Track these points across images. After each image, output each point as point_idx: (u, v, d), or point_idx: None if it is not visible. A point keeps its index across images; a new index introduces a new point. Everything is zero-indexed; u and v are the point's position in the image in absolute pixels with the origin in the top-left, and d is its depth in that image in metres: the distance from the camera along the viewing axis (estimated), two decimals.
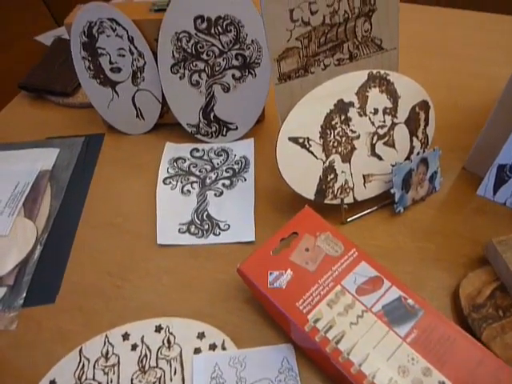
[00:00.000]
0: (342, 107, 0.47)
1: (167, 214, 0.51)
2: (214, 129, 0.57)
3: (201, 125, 0.57)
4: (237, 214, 0.51)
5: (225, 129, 0.58)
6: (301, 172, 0.46)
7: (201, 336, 0.42)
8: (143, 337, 0.42)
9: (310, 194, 0.47)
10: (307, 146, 0.46)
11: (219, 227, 0.50)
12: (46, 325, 0.44)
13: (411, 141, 0.50)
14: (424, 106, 0.50)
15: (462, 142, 0.57)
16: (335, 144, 0.47)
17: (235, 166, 0.56)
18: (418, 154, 0.50)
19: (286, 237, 0.43)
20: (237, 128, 0.58)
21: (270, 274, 0.41)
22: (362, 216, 0.51)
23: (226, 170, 0.55)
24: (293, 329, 0.39)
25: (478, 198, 0.52)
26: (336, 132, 0.47)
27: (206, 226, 0.50)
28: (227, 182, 0.54)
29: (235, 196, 0.53)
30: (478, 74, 0.68)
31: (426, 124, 0.51)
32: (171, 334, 0.42)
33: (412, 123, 0.50)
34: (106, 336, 0.42)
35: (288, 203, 0.52)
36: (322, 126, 0.46)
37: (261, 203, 0.53)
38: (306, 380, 0.39)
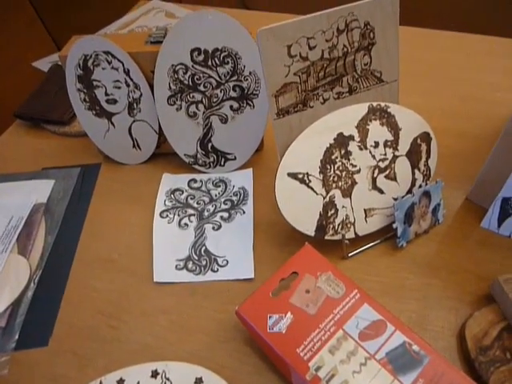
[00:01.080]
0: (342, 141, 0.46)
1: (164, 249, 0.50)
2: (211, 159, 0.56)
3: (198, 155, 0.56)
4: (235, 249, 0.50)
5: (223, 159, 0.57)
6: (300, 208, 0.45)
7: (199, 381, 0.40)
8: (139, 383, 0.40)
9: (311, 231, 0.46)
10: (307, 181, 0.45)
11: (217, 263, 0.49)
12: (38, 370, 0.42)
13: (413, 173, 0.49)
14: (426, 137, 0.49)
15: (465, 171, 0.55)
16: (335, 179, 0.46)
17: (234, 198, 0.54)
18: (420, 186, 0.49)
19: (285, 277, 0.42)
20: (235, 158, 0.57)
21: (270, 317, 0.40)
22: (363, 250, 0.49)
23: (224, 202, 0.54)
24: (293, 375, 0.38)
25: (482, 230, 0.51)
26: (336, 166, 0.46)
27: (204, 262, 0.49)
28: (225, 214, 0.53)
29: (234, 230, 0.51)
30: (482, 100, 0.68)
31: (428, 156, 0.50)
32: (168, 379, 0.41)
33: (414, 155, 0.49)
34: (101, 382, 0.40)
35: (288, 237, 0.51)
36: (321, 161, 0.45)
37: (260, 237, 0.51)
38: None
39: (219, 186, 0.56)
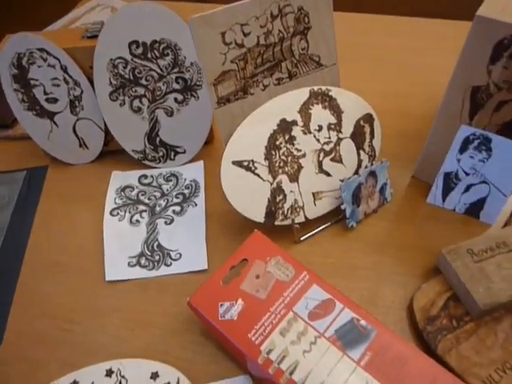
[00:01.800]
0: (285, 126, 0.46)
1: (115, 247, 0.49)
2: (161, 154, 0.56)
3: (147, 150, 0.55)
4: (188, 241, 0.49)
5: (172, 153, 0.56)
6: (248, 195, 0.45)
7: (154, 376, 0.40)
8: (93, 383, 0.40)
9: (260, 217, 0.46)
10: (252, 168, 0.45)
11: (170, 257, 0.48)
12: None
13: (358, 154, 0.50)
14: (368, 118, 0.50)
15: (410, 150, 0.57)
16: (281, 164, 0.46)
17: (185, 191, 0.54)
18: (366, 167, 0.50)
19: (236, 264, 0.42)
20: (185, 151, 0.56)
21: (221, 305, 0.40)
22: (315, 234, 0.50)
23: (176, 196, 0.54)
24: (248, 360, 0.38)
25: (429, 206, 0.53)
26: (281, 152, 0.46)
27: (157, 257, 0.48)
28: (177, 208, 0.53)
29: (186, 223, 0.51)
30: (426, 82, 0.69)
31: (372, 137, 0.51)
32: (123, 377, 0.40)
33: (358, 137, 0.50)
34: None
35: (241, 226, 0.51)
36: (266, 147, 0.45)
37: (213, 228, 0.51)
38: None
39: (170, 180, 0.55)
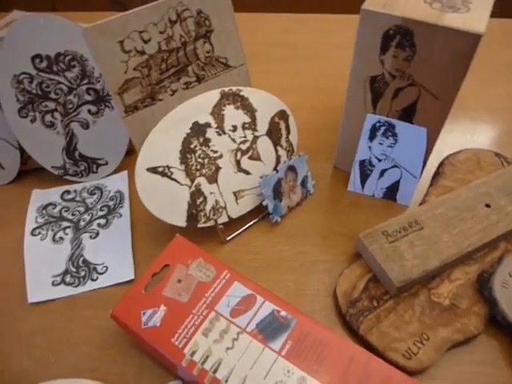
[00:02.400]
0: (198, 129, 0.46)
1: (38, 267, 0.48)
2: (82, 167, 0.55)
3: (67, 165, 0.54)
4: (114, 253, 0.49)
5: (94, 166, 0.55)
6: (167, 201, 0.45)
7: None
8: None
9: (181, 222, 0.46)
10: (168, 173, 0.45)
11: (97, 271, 0.47)
12: None
13: (276, 151, 0.51)
14: (283, 115, 0.52)
15: (330, 142, 0.59)
16: (198, 167, 0.47)
17: (110, 203, 0.53)
18: (285, 162, 0.51)
19: (157, 271, 0.42)
20: (107, 163, 0.55)
21: (144, 313, 0.39)
22: (241, 232, 0.51)
23: (100, 209, 0.53)
24: (178, 366, 0.38)
25: (350, 194, 0.55)
26: (197, 155, 0.46)
27: (83, 273, 0.47)
28: (103, 221, 0.52)
29: (112, 235, 0.50)
30: (331, 74, 0.72)
31: (288, 132, 0.52)
32: None
33: (274, 134, 0.51)
34: None
35: (168, 232, 0.50)
36: (180, 152, 0.46)
37: (140, 237, 0.51)
38: None
39: (95, 194, 0.55)
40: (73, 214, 0.52)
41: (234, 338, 0.37)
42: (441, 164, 0.56)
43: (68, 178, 0.55)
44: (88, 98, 0.50)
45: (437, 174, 0.55)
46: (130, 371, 0.41)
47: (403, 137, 0.48)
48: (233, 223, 0.50)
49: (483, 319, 0.42)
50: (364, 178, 0.53)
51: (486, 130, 0.63)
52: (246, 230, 0.51)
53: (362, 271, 0.46)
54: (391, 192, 0.53)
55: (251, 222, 0.51)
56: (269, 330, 0.38)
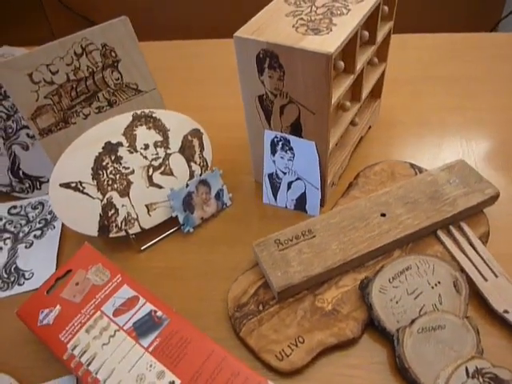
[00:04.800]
0: (110, 148, 0.52)
1: None
2: (27, 185, 0.61)
3: (13, 183, 0.61)
4: (41, 261, 0.54)
5: (37, 183, 0.61)
6: (79, 213, 0.51)
7: None
8: None
9: (94, 232, 0.51)
10: (80, 188, 0.50)
11: (24, 277, 0.53)
12: None
13: (189, 166, 0.56)
14: (196, 133, 0.56)
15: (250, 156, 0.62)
16: (110, 182, 0.52)
17: (48, 216, 0.59)
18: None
19: (61, 275, 0.47)
20: (48, 180, 0.61)
21: (41, 312, 0.44)
22: (157, 242, 0.55)
23: (39, 222, 0.59)
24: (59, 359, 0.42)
25: (267, 207, 0.58)
26: (109, 171, 0.52)
27: (12, 278, 0.53)
28: (38, 232, 0.58)
29: (43, 245, 0.56)
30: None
31: (202, 149, 0.57)
32: None
33: (187, 150, 0.55)
34: None
35: (94, 241, 0.55)
36: (92, 168, 0.51)
37: (69, 245, 0.56)
38: None
39: (37, 208, 0.61)
40: (15, 227, 0.59)
41: (111, 335, 0.41)
42: (357, 176, 0.58)
43: (15, 194, 0.62)
44: (25, 123, 0.57)
45: (350, 186, 0.57)
46: (35, 365, 0.45)
47: (298, 150, 0.51)
48: (151, 233, 0.54)
49: (361, 324, 0.44)
50: (275, 190, 0.56)
51: (412, 142, 0.64)
52: (161, 239, 0.55)
53: (254, 278, 0.49)
54: (301, 203, 0.55)
55: (166, 233, 0.55)
56: (143, 328, 0.41)
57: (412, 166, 0.58)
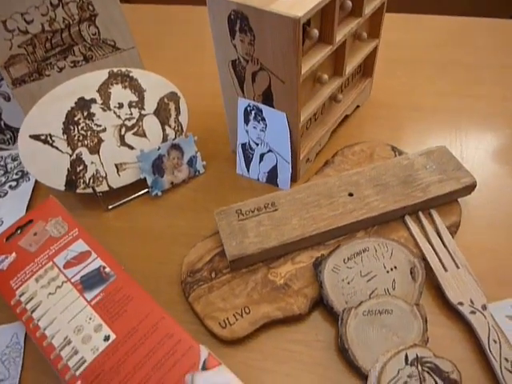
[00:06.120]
0: (83, 104, 0.51)
1: None
2: (8, 136, 0.62)
3: None
4: (12, 210, 0.55)
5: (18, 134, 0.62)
6: (47, 166, 0.51)
7: None
8: None
9: (61, 186, 0.51)
10: (50, 141, 0.51)
11: None
12: None
13: (164, 130, 0.55)
14: (173, 96, 0.55)
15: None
16: (80, 138, 0.52)
17: (25, 168, 0.60)
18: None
19: (22, 225, 0.48)
20: None
21: None
22: (125, 202, 0.55)
23: (16, 173, 0.60)
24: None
25: (240, 178, 0.57)
26: (80, 127, 0.51)
27: None
28: (14, 183, 0.58)
29: (17, 195, 0.57)
30: None
31: (178, 113, 0.56)
32: None
33: (162, 113, 0.55)
34: None
35: (61, 195, 0.56)
36: (64, 123, 0.51)
37: (42, 198, 0.57)
38: (31, 350, 0.43)
39: (16, 160, 0.61)
40: None
41: (58, 285, 0.42)
42: (334, 154, 0.57)
43: None
44: None
45: (326, 164, 0.56)
46: None
47: (270, 121, 0.49)
48: (120, 194, 0.54)
49: (310, 301, 0.43)
50: (248, 161, 0.55)
51: (400, 126, 0.62)
52: (129, 200, 0.55)
53: (213, 245, 0.48)
54: (272, 176, 0.54)
55: (135, 195, 0.55)
56: (90, 282, 0.42)
57: (393, 148, 0.56)
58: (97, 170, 0.52)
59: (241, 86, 0.49)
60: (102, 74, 0.52)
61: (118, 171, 0.53)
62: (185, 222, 0.52)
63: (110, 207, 0.54)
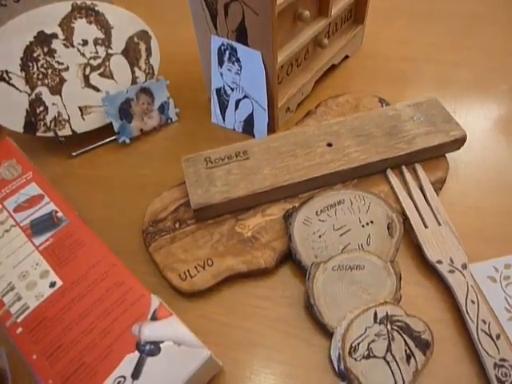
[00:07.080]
0: (43, 39, 0.47)
1: None
2: None
3: None
4: None
5: None
6: (4, 105, 0.47)
7: None
8: None
9: (19, 127, 0.48)
10: (7, 78, 0.46)
11: None
12: None
13: (133, 72, 0.51)
14: (144, 36, 0.51)
15: None
16: (40, 76, 0.47)
17: None
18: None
19: None
20: None
21: None
22: (91, 149, 0.51)
23: None
24: None
25: (215, 127, 0.53)
26: (40, 64, 0.47)
27: None
28: None
29: None
30: None
31: (149, 54, 0.51)
32: None
33: (131, 53, 0.50)
34: None
35: (25, 139, 0.52)
36: (22, 59, 0.47)
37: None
38: None
39: None
40: None
41: (6, 229, 0.39)
42: (318, 105, 0.53)
43: None
44: None
45: (307, 114, 0.52)
46: None
47: (245, 62, 0.45)
48: (86, 140, 0.51)
49: (278, 255, 0.40)
50: (223, 109, 0.51)
51: (390, 77, 0.58)
52: (96, 147, 0.51)
53: (179, 195, 0.45)
54: (248, 126, 0.50)
55: (101, 142, 0.51)
56: (40, 226, 0.39)
57: (381, 100, 0.52)
58: (59, 113, 0.49)
59: (213, 20, 0.44)
60: (64, 6, 0.47)
61: (82, 114, 0.49)
62: (152, 172, 0.49)
63: (75, 154, 0.51)
